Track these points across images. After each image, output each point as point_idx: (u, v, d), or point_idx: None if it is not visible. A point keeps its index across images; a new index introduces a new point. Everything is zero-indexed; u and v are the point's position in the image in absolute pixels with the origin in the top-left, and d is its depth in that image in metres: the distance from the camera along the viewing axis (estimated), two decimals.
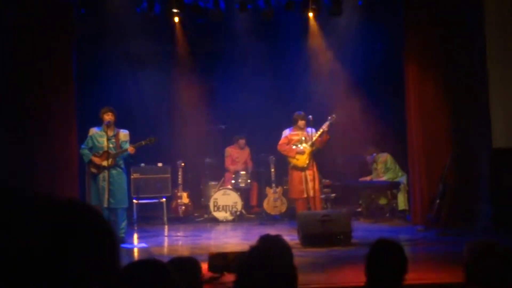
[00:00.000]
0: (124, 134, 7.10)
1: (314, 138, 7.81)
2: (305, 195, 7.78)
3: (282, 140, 8.04)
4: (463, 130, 7.65)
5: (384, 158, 8.87)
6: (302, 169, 7.85)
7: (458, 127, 7.68)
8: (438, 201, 7.32)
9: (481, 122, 7.32)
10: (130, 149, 6.92)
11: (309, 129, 7.92)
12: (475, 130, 7.50)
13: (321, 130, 7.81)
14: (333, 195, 9.13)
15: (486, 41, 7.20)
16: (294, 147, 7.91)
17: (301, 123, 7.89)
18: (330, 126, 7.80)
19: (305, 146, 7.83)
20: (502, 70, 7.14)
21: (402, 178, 8.67)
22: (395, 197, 8.69)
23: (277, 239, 2.31)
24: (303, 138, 7.88)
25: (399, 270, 2.40)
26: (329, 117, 7.82)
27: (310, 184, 7.75)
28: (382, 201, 8.84)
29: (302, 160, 7.84)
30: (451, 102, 7.72)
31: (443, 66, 7.74)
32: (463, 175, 7.58)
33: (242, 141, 9.71)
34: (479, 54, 7.31)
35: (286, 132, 8.06)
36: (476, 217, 7.28)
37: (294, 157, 7.90)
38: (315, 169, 7.89)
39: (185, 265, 2.44)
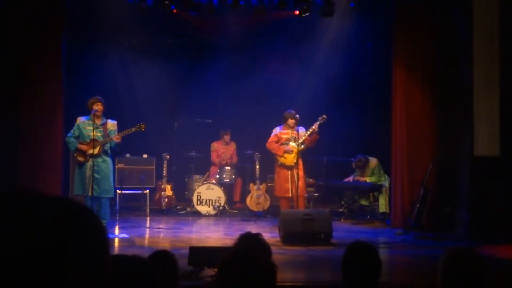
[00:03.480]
0: (112, 123, 7.08)
1: (303, 137, 7.87)
2: (290, 194, 7.86)
3: (272, 138, 8.09)
4: (447, 136, 7.76)
5: (374, 165, 8.90)
6: (289, 167, 7.91)
7: (442, 134, 7.79)
8: (418, 205, 7.43)
9: (464, 130, 7.43)
10: (115, 137, 6.87)
11: (299, 128, 7.97)
12: (458, 138, 7.61)
13: (310, 129, 7.87)
14: (316, 194, 9.21)
15: (473, 48, 7.30)
16: (283, 145, 7.96)
17: (291, 121, 7.93)
18: (319, 126, 7.86)
19: (293, 145, 7.88)
20: (487, 81, 7.25)
21: (385, 182, 8.75)
22: (376, 199, 8.78)
23: (257, 237, 2.36)
24: (293, 137, 7.93)
25: (373, 273, 2.47)
26: (319, 118, 7.88)
27: (296, 184, 7.82)
28: (364, 202, 8.93)
29: (290, 159, 7.89)
30: (437, 108, 7.83)
31: (430, 72, 7.84)
32: (444, 181, 7.70)
33: (227, 137, 9.73)
34: (466, 61, 7.41)
35: (277, 130, 8.11)
36: (454, 223, 7.41)
37: (282, 156, 7.95)
38: (301, 168, 7.96)
39: (162, 259, 2.46)
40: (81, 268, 0.71)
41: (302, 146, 7.92)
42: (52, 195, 0.75)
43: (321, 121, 7.87)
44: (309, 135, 7.89)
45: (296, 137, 7.90)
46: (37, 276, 0.68)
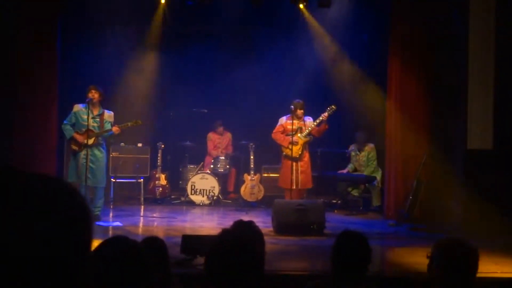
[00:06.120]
0: (109, 115, 7.08)
1: (310, 128, 7.84)
2: (294, 186, 7.81)
3: (277, 128, 7.99)
4: (441, 129, 7.79)
5: (370, 149, 8.90)
6: (294, 159, 7.85)
7: (436, 127, 7.82)
8: (411, 197, 7.47)
9: (458, 123, 7.47)
10: (115, 129, 6.89)
11: (306, 118, 7.94)
12: (452, 130, 7.65)
13: (318, 120, 7.83)
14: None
15: (469, 43, 7.32)
16: (288, 136, 7.87)
17: (300, 112, 7.83)
18: (328, 116, 7.82)
19: (299, 137, 7.83)
20: (482, 74, 7.27)
21: (377, 174, 8.77)
22: (367, 191, 8.81)
23: (250, 225, 2.38)
24: (299, 128, 7.86)
25: (363, 261, 2.48)
26: (328, 108, 7.83)
27: (300, 176, 7.81)
28: (355, 193, 8.94)
29: (295, 150, 7.82)
30: (431, 101, 7.85)
31: (425, 65, 7.85)
32: (437, 173, 7.74)
33: (219, 127, 9.71)
34: (461, 55, 7.43)
35: (283, 120, 7.98)
36: (447, 215, 7.45)
37: (287, 147, 7.89)
38: (307, 160, 7.95)
39: (152, 245, 2.47)
40: (60, 252, 0.69)
41: (308, 138, 7.90)
42: (33, 172, 0.73)
43: (329, 112, 7.80)
44: (317, 125, 7.87)
45: (303, 127, 7.87)
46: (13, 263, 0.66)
